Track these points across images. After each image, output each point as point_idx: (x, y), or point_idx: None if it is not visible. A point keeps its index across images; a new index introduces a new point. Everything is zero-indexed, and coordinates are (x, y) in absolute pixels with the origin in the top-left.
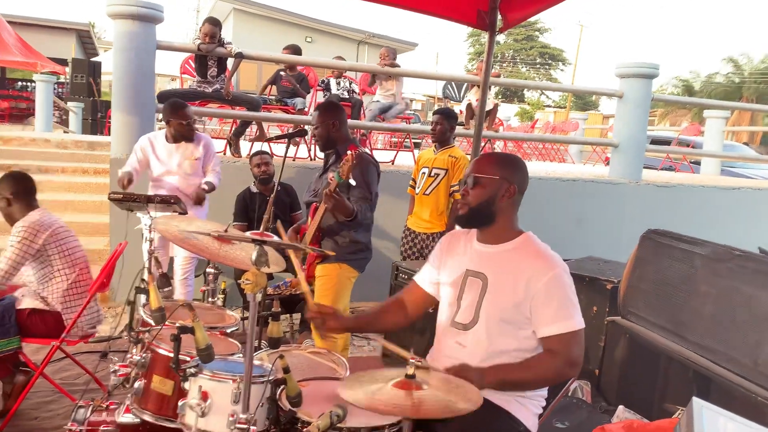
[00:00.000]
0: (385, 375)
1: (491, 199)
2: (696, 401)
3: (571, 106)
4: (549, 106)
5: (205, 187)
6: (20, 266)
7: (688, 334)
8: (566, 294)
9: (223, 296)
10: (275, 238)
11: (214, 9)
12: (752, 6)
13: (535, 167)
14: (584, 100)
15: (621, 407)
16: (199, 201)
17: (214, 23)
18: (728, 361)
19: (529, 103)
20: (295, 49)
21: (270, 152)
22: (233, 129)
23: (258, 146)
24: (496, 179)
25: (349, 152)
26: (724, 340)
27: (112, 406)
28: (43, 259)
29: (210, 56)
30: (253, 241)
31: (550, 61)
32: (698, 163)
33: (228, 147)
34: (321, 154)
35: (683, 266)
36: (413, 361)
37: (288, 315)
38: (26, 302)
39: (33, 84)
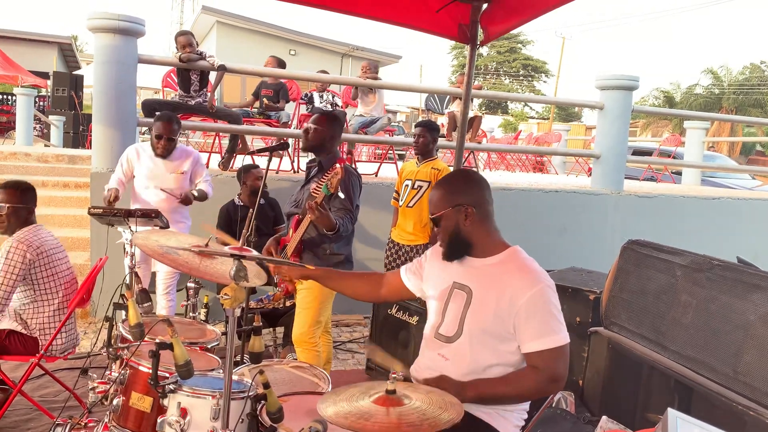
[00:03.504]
0: (365, 390)
1: (456, 229)
2: (671, 412)
3: (554, 118)
4: (533, 117)
5: (195, 192)
6: (14, 288)
7: (669, 343)
8: (549, 310)
9: (205, 311)
10: (254, 253)
11: (197, 22)
12: (731, 19)
13: (518, 178)
14: (567, 111)
15: (604, 418)
16: (186, 202)
17: (184, 33)
18: (708, 370)
19: (512, 115)
20: (280, 62)
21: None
22: (228, 145)
23: (241, 159)
24: (449, 211)
25: (338, 165)
26: (704, 349)
27: (90, 424)
28: (28, 281)
29: (192, 70)
30: (232, 255)
31: (533, 73)
32: (679, 173)
33: (213, 160)
34: (304, 167)
35: (664, 276)
36: (394, 375)
37: (271, 329)
38: (5, 323)
39: (14, 97)
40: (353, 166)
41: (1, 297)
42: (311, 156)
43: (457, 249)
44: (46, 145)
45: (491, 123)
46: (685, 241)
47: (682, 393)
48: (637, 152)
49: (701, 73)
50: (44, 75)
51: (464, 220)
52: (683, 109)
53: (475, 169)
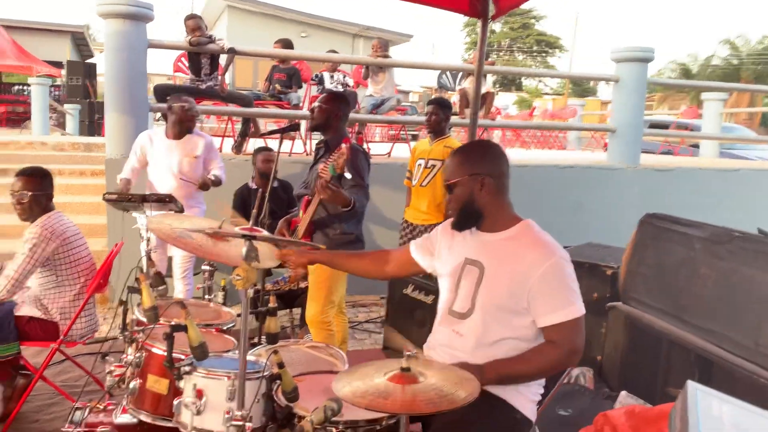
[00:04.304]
0: (379, 368)
1: (470, 198)
2: (690, 384)
3: (569, 93)
4: (547, 93)
5: (212, 177)
6: (30, 274)
7: (689, 317)
8: (565, 282)
9: (223, 293)
10: (265, 233)
11: (207, 6)
12: None
13: (533, 155)
14: (582, 87)
15: (623, 393)
16: (203, 186)
17: (193, 16)
18: (729, 343)
19: (527, 91)
20: (287, 43)
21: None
22: (241, 129)
23: (253, 142)
24: (465, 179)
25: (343, 145)
26: (724, 322)
27: (109, 407)
28: (50, 267)
29: (202, 54)
30: (243, 236)
31: (546, 49)
32: (697, 146)
33: (226, 144)
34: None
35: (682, 249)
36: (408, 353)
37: (288, 310)
38: (25, 309)
39: (29, 88)
40: (366, 147)
41: (16, 280)
42: (322, 135)
43: (468, 219)
44: (62, 134)
45: (506, 100)
46: (704, 214)
47: (702, 367)
48: (654, 126)
49: (719, 43)
50: (58, 64)
51: (479, 189)
52: (700, 80)
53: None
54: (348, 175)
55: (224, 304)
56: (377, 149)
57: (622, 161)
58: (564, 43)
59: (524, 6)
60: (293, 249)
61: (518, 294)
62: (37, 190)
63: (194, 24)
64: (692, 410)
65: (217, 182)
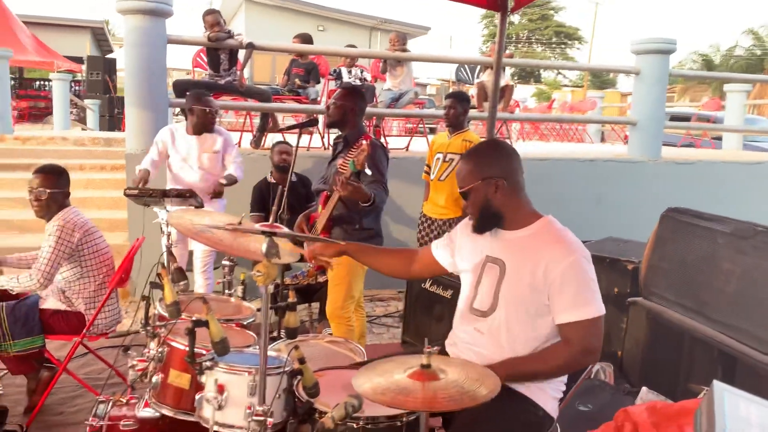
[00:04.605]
0: (399, 365)
1: (486, 202)
2: (717, 384)
3: (588, 85)
4: (566, 85)
5: (223, 181)
6: (59, 266)
7: (712, 313)
8: (584, 280)
9: (242, 287)
10: (285, 230)
11: (225, 1)
12: None
13: (553, 148)
14: (601, 79)
15: (644, 389)
16: (216, 194)
17: (212, 11)
18: (753, 339)
19: (545, 84)
20: (305, 38)
21: (289, 143)
22: (259, 124)
23: (271, 137)
24: (478, 185)
25: (364, 142)
26: (748, 318)
27: (132, 401)
28: (76, 258)
29: (221, 49)
30: (263, 232)
31: (565, 40)
32: (719, 138)
33: (245, 139)
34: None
35: (705, 244)
36: (428, 350)
37: (307, 304)
38: (50, 302)
39: (50, 83)
40: (383, 141)
41: (48, 272)
42: (339, 132)
43: (487, 222)
44: (82, 129)
45: (524, 93)
46: (727, 208)
47: (725, 363)
48: (675, 118)
49: (742, 33)
50: (78, 60)
51: (494, 192)
52: (723, 72)
53: (504, 139)
54: (368, 171)
55: (243, 298)
56: (395, 143)
57: (644, 154)
58: (583, 34)
59: None
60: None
61: (539, 291)
62: (54, 187)
63: (213, 19)
64: (719, 411)
65: (231, 182)
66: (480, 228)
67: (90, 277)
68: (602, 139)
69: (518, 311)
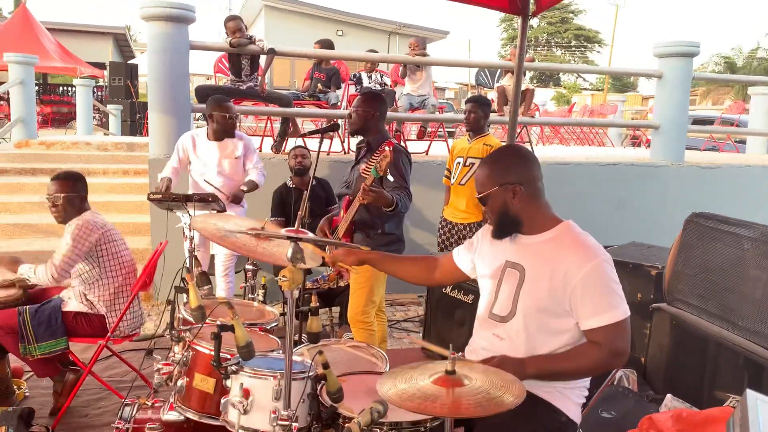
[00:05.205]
0: (423, 371)
1: (504, 208)
2: (750, 394)
3: (608, 89)
4: (586, 89)
5: (244, 188)
6: (74, 264)
7: (738, 319)
8: (607, 284)
9: (263, 291)
10: (310, 235)
11: (245, 7)
12: None
13: (575, 152)
14: (622, 82)
15: (669, 396)
16: (236, 201)
17: (233, 18)
18: None
19: (565, 87)
20: (327, 44)
21: (305, 147)
22: (280, 128)
23: (292, 142)
24: (496, 190)
25: (387, 148)
26: None
27: (157, 404)
28: (94, 259)
29: (243, 55)
30: (289, 238)
31: (585, 44)
32: (744, 142)
33: (266, 144)
34: (354, 147)
35: (731, 250)
36: (453, 356)
37: (327, 308)
38: (72, 305)
39: (73, 89)
40: (404, 145)
41: (62, 268)
42: (361, 137)
43: (506, 227)
44: (105, 134)
45: (543, 96)
46: (752, 212)
47: (753, 370)
48: (697, 121)
49: (765, 36)
50: (101, 65)
51: (512, 198)
52: (746, 74)
53: (524, 143)
54: (390, 177)
55: (264, 302)
56: (414, 147)
57: (667, 159)
58: (603, 37)
59: (563, 0)
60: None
61: (559, 296)
62: (69, 191)
63: (235, 26)
64: (753, 421)
65: (251, 188)
66: (498, 234)
67: (109, 278)
68: (634, 143)
69: (537, 316)
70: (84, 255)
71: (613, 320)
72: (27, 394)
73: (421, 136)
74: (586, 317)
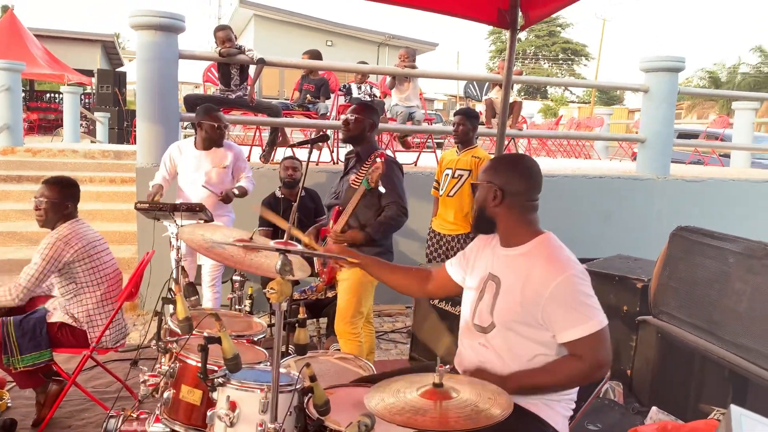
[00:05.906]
0: (409, 384)
1: (483, 204)
2: (734, 409)
3: (595, 102)
4: (573, 101)
5: (236, 191)
6: (41, 283)
7: (723, 332)
8: (577, 298)
9: (250, 302)
10: (299, 247)
11: (234, 16)
12: None
13: (561, 164)
14: (609, 95)
15: (654, 408)
16: (226, 200)
17: (223, 27)
18: (765, 359)
19: (552, 100)
20: (315, 54)
21: (297, 159)
22: (269, 138)
23: (281, 152)
24: (483, 185)
25: (378, 160)
26: (760, 338)
27: (142, 416)
28: (68, 275)
29: (232, 64)
30: (277, 250)
31: (572, 57)
32: (728, 156)
33: (254, 153)
34: (343, 158)
35: (715, 263)
36: (440, 369)
37: (315, 319)
38: (57, 316)
39: (60, 95)
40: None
41: (29, 286)
42: (350, 147)
43: (480, 223)
44: (92, 142)
45: (530, 109)
46: (736, 226)
47: (737, 384)
48: (682, 135)
49: (749, 51)
50: (89, 73)
51: (492, 199)
52: (730, 89)
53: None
54: (382, 189)
55: (251, 312)
56: (403, 158)
57: (652, 172)
58: (590, 50)
59: (552, 14)
60: (337, 246)
61: (531, 309)
62: (54, 197)
63: (225, 35)
64: None
65: (242, 194)
66: (474, 227)
67: (86, 293)
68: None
69: (514, 327)
70: (56, 272)
71: (589, 332)
72: (9, 404)
73: (406, 146)
74: (561, 330)
